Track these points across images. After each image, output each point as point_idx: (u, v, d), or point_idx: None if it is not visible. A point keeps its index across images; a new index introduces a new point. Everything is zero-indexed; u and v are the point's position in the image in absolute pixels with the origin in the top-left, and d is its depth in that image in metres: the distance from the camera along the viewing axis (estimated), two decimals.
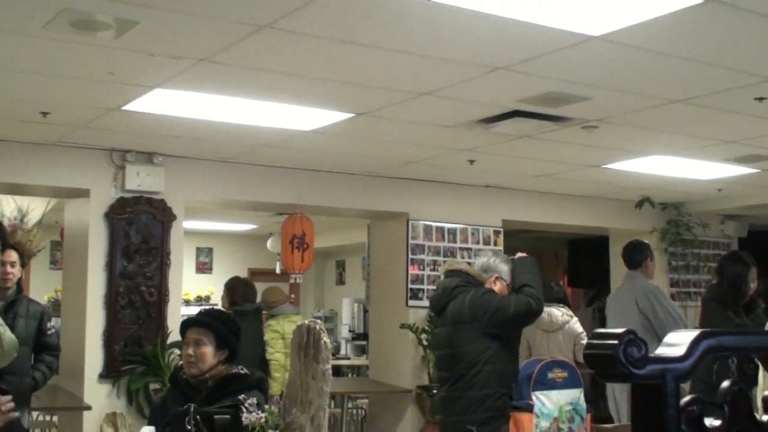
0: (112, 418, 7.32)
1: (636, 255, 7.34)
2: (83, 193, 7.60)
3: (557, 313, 7.47)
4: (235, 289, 7.93)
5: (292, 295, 12.25)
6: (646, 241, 7.51)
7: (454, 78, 5.45)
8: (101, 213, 7.53)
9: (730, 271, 5.91)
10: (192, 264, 15.03)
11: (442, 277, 5.28)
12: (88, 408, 7.11)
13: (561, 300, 7.60)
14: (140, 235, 7.62)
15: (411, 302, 9.04)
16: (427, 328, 8.83)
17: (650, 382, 2.29)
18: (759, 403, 2.86)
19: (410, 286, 9.06)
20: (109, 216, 7.52)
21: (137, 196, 7.64)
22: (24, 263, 6.01)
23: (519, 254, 5.11)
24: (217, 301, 12.60)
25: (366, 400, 10.53)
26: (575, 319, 7.46)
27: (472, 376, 5.00)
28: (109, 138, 7.21)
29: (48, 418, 8.89)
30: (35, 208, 8.76)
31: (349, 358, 14.01)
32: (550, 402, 4.46)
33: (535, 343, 7.73)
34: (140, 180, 7.60)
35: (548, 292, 7.77)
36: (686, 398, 2.36)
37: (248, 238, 15.19)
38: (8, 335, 3.99)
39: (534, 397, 4.45)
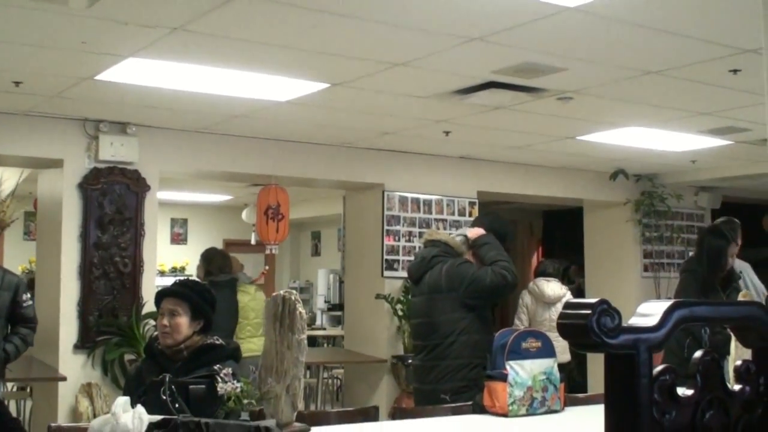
0: (87, 389, 7.32)
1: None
2: (56, 164, 7.55)
3: (555, 286, 8.75)
4: (212, 259, 7.92)
5: (267, 267, 12.23)
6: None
7: (429, 48, 5.44)
8: (75, 183, 7.48)
9: (711, 245, 5.92)
10: (167, 235, 14.99)
11: (422, 246, 5.36)
12: (63, 379, 7.10)
13: (555, 276, 8.86)
14: (114, 206, 7.58)
15: (386, 273, 9.07)
16: (402, 298, 8.87)
17: (623, 351, 2.30)
18: (731, 373, 2.89)
19: (386, 257, 9.07)
20: (83, 186, 7.48)
21: (111, 166, 7.59)
22: None
23: (473, 230, 5.16)
24: (192, 272, 12.59)
25: (341, 370, 10.58)
26: (569, 293, 8.70)
27: (446, 345, 5.05)
28: (83, 108, 7.15)
29: (23, 389, 8.88)
30: (8, 178, 8.68)
31: (324, 329, 14.06)
32: (523, 371, 4.48)
33: (537, 316, 8.29)
34: (114, 150, 7.55)
35: (546, 267, 8.67)
36: (659, 368, 2.39)
37: (223, 209, 15.15)
38: None
39: (508, 367, 4.46)
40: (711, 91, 6.49)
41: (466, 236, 5.17)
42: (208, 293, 4.27)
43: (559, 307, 8.32)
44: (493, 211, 5.67)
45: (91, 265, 7.47)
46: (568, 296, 8.63)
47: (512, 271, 4.98)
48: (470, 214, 9.45)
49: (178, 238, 15.46)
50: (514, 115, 7.24)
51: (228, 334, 7.70)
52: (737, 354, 4.06)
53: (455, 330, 5.01)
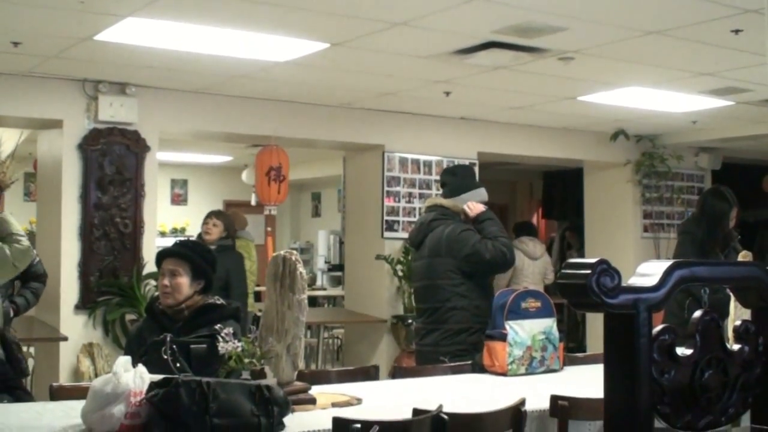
0: (88, 349, 7.35)
1: None
2: (56, 124, 7.53)
3: (537, 243, 9.55)
4: (232, 221, 8.06)
5: (269, 228, 12.24)
6: None
7: (430, 8, 5.41)
8: (74, 144, 7.46)
9: (713, 207, 5.89)
10: (167, 196, 14.98)
11: (423, 212, 5.42)
12: (65, 339, 7.13)
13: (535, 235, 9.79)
14: (114, 167, 7.57)
15: (386, 234, 9.07)
16: (402, 259, 8.89)
17: (623, 311, 2.32)
18: (730, 333, 2.90)
19: (386, 217, 9.08)
20: (83, 147, 7.46)
21: (110, 127, 7.57)
22: None
23: (475, 206, 5.15)
24: (193, 232, 12.60)
25: (342, 330, 10.63)
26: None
27: (446, 309, 5.07)
28: (82, 68, 7.12)
29: (25, 349, 8.91)
30: (8, 139, 8.58)
31: (325, 289, 14.10)
32: (523, 331, 4.50)
33: (522, 270, 8.63)
34: (113, 111, 7.53)
35: (529, 227, 9.37)
36: (658, 327, 2.40)
37: (223, 169, 15.13)
38: (15, 247, 4.38)
39: (507, 326, 4.49)
40: (712, 52, 6.45)
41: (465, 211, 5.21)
42: (209, 254, 4.28)
43: (539, 263, 9.31)
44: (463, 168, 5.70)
45: (91, 226, 7.47)
46: (546, 255, 9.65)
47: (511, 250, 5.08)
48: None
49: (179, 199, 15.45)
50: (515, 75, 7.21)
51: (244, 297, 7.76)
52: (736, 314, 4.07)
53: (455, 294, 5.03)
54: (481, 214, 5.14)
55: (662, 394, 2.38)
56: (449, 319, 5.05)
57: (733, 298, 3.96)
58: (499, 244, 4.99)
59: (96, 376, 6.74)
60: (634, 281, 2.37)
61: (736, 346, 2.60)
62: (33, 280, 6.07)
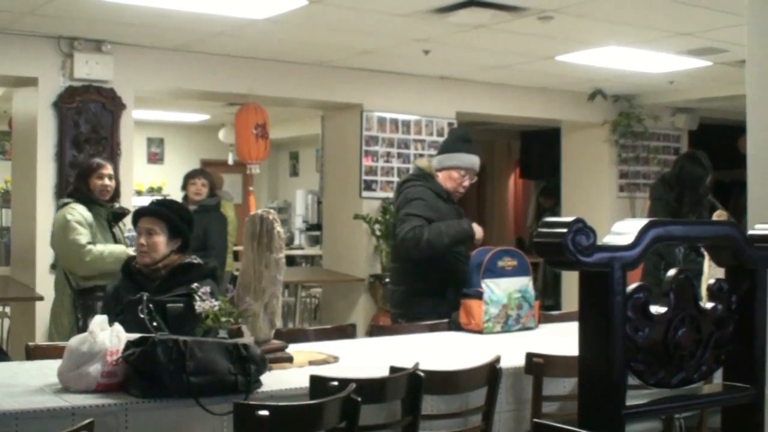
0: None
1: None
2: (31, 82, 7.45)
3: None
4: (214, 180, 8.06)
5: (251, 188, 12.19)
6: None
7: None
8: (49, 102, 7.39)
9: (691, 173, 5.89)
10: (143, 154, 14.89)
11: None
12: (41, 298, 7.09)
13: None
14: (90, 125, 7.51)
15: (365, 193, 9.07)
16: (380, 218, 8.90)
17: (598, 269, 2.33)
18: (704, 292, 2.93)
19: (364, 177, 9.07)
20: (58, 105, 7.39)
21: (86, 85, 7.49)
22: None
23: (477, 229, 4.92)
24: (170, 191, 12.56)
25: (319, 289, 10.65)
26: None
27: (400, 270, 5.05)
28: (57, 25, 7.04)
29: (0, 308, 8.88)
30: None
31: (302, 248, 14.11)
32: (499, 289, 4.53)
33: None
34: (89, 68, 7.46)
35: None
36: (633, 285, 2.42)
37: (200, 128, 15.05)
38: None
39: (483, 285, 4.51)
40: (691, 11, 6.45)
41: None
42: (186, 212, 4.27)
43: None
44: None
45: (67, 185, 7.40)
46: None
47: (426, 247, 4.75)
48: None
49: (155, 158, 15.36)
50: (494, 34, 7.18)
51: (224, 257, 7.75)
52: (710, 273, 4.11)
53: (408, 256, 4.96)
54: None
55: (636, 352, 2.41)
56: (405, 281, 5.04)
57: (707, 257, 3.99)
58: (427, 234, 4.74)
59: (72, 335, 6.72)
60: (610, 240, 2.39)
61: (709, 305, 2.63)
62: None
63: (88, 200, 5.50)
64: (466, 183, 5.07)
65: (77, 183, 5.67)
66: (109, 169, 5.60)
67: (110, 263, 5.22)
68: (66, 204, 5.52)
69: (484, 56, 8.27)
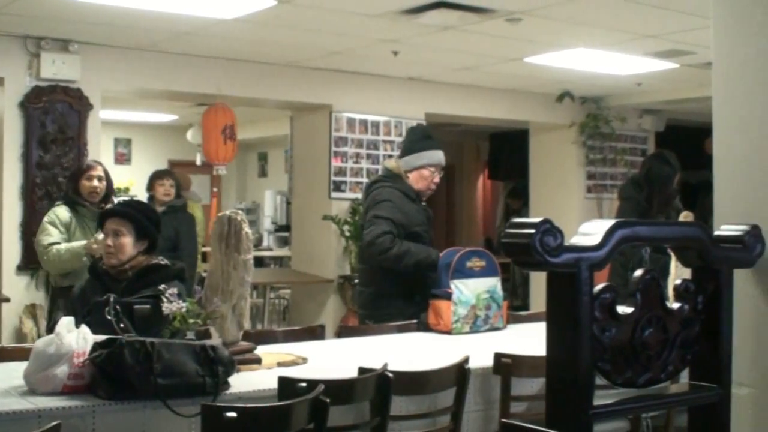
0: (31, 310, 7.27)
1: None
2: None
3: None
4: (180, 181, 8.01)
5: (215, 189, 12.15)
6: None
7: None
8: (16, 102, 7.32)
9: (659, 173, 5.90)
10: (110, 155, 14.78)
11: None
12: (7, 300, 7.05)
13: None
14: (56, 125, 7.45)
15: (334, 194, 9.06)
16: (349, 219, 8.90)
17: (565, 270, 2.35)
18: (670, 292, 2.95)
19: (333, 178, 9.06)
20: (24, 105, 7.33)
21: (53, 84, 7.43)
22: None
23: None
24: (137, 192, 12.47)
25: (288, 291, 10.62)
26: None
27: (368, 272, 5.05)
28: (24, 24, 6.97)
29: None
30: None
31: (271, 250, 14.07)
32: (467, 290, 4.54)
33: None
34: (56, 68, 7.40)
35: None
36: (600, 286, 2.43)
37: (168, 129, 14.97)
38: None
39: (452, 286, 4.52)
40: (658, 14, 6.50)
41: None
42: (153, 213, 4.25)
43: None
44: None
45: (33, 186, 7.36)
46: None
47: (396, 259, 4.75)
48: None
49: (122, 158, 15.26)
50: (463, 36, 7.20)
51: (195, 257, 7.70)
52: (677, 273, 4.14)
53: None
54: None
55: (603, 352, 2.42)
56: (371, 282, 5.03)
57: (673, 258, 4.02)
58: (399, 246, 4.73)
59: (39, 337, 6.67)
60: (577, 240, 2.40)
61: (675, 305, 2.65)
62: None
63: (72, 201, 5.58)
64: (437, 179, 5.10)
65: (67, 184, 5.81)
66: (98, 171, 5.67)
67: (66, 260, 5.32)
68: (56, 206, 5.65)
69: (453, 57, 8.29)
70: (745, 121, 2.86)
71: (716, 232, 2.73)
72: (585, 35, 7.29)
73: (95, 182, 5.61)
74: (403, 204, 4.91)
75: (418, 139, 5.19)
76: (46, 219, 5.54)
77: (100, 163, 5.86)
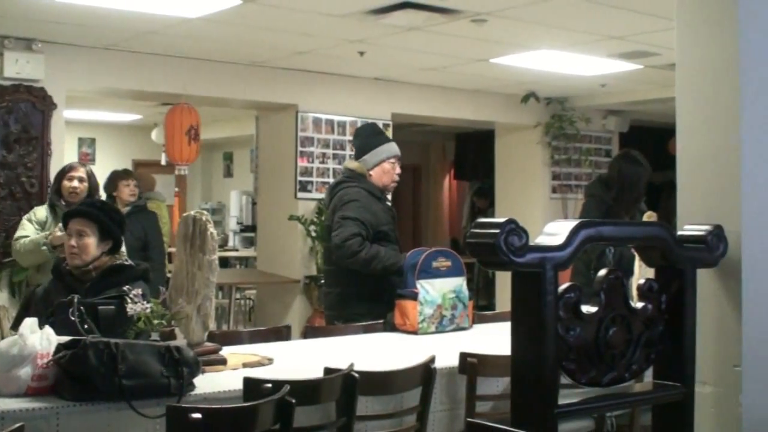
0: None
1: None
2: None
3: None
4: (144, 179, 7.99)
5: (176, 189, 12.08)
6: None
7: None
8: None
9: (629, 172, 5.88)
10: (74, 155, 14.65)
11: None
12: None
13: None
14: (20, 125, 7.39)
15: (300, 194, 9.05)
16: (315, 219, 8.88)
17: (530, 269, 2.36)
18: (634, 291, 2.97)
19: (299, 178, 9.05)
20: None
21: (16, 84, 7.36)
22: None
23: None
24: (101, 192, 12.37)
25: (254, 291, 10.59)
26: None
27: (334, 273, 5.04)
28: None
29: None
30: None
31: (237, 250, 14.01)
32: (433, 290, 4.55)
33: None
34: (19, 67, 7.34)
35: None
36: (564, 285, 2.45)
37: (132, 128, 14.87)
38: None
39: (418, 286, 4.53)
40: (622, 15, 6.55)
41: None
42: (117, 213, 4.22)
43: None
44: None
45: None
46: None
47: (364, 262, 4.77)
48: None
49: (87, 158, 15.14)
50: (429, 36, 7.21)
51: (163, 256, 7.64)
52: (640, 273, 4.17)
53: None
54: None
55: (568, 351, 2.44)
56: (338, 283, 5.03)
57: (637, 258, 4.05)
58: (368, 250, 4.76)
59: (2, 338, 6.61)
60: (542, 240, 2.41)
61: (639, 304, 2.67)
62: None
63: (50, 201, 5.81)
64: (398, 170, 5.19)
65: (52, 185, 6.07)
66: (80, 172, 5.80)
67: (29, 251, 5.50)
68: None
69: (419, 58, 8.30)
70: (709, 121, 2.89)
71: (680, 232, 2.76)
72: (550, 36, 7.33)
73: (75, 183, 5.72)
74: (370, 203, 4.92)
75: (371, 136, 5.27)
76: (24, 216, 5.82)
77: (84, 165, 5.99)
